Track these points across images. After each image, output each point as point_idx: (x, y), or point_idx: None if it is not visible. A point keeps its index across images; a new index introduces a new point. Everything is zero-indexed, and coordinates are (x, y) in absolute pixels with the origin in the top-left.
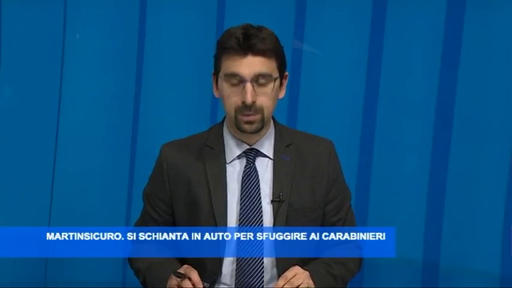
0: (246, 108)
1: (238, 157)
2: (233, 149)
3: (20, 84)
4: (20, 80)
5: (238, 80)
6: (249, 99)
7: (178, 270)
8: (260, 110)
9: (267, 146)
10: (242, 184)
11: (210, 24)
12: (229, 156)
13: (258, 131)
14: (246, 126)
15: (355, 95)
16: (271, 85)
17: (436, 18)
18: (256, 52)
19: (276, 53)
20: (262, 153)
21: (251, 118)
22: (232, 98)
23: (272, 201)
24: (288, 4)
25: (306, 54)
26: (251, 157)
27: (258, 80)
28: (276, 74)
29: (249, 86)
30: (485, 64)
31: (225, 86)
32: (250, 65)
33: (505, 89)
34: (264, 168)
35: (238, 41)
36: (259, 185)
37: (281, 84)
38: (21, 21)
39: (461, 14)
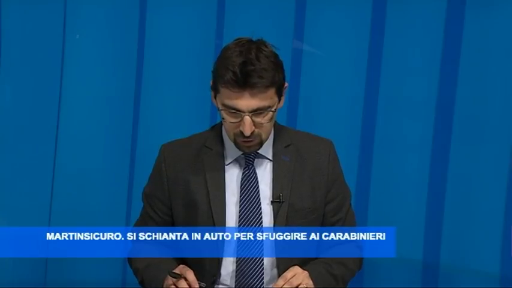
0: (245, 136)
1: (237, 159)
2: (232, 151)
3: (20, 84)
4: (20, 80)
5: (236, 111)
6: (247, 132)
7: (174, 270)
8: (258, 136)
9: (266, 147)
10: (241, 186)
11: (210, 24)
12: (228, 158)
13: (256, 150)
14: (245, 149)
15: (355, 95)
16: (269, 115)
17: (436, 18)
18: (255, 89)
19: (274, 81)
20: (261, 154)
21: (249, 144)
22: (230, 125)
23: (272, 202)
24: (288, 4)
25: (306, 54)
26: (250, 158)
27: (257, 111)
28: (274, 102)
29: (247, 119)
30: (485, 64)
31: (223, 113)
32: (249, 100)
33: (505, 89)
34: (263, 169)
35: (235, 77)
36: (258, 186)
37: (281, 94)
38: (21, 21)
39: (461, 14)
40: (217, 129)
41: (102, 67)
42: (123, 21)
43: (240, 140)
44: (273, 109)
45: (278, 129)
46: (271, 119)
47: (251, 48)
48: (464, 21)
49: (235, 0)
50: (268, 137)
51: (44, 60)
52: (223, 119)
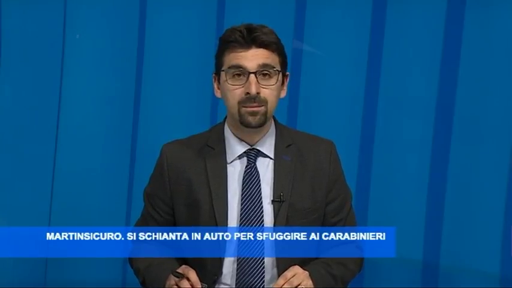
0: (250, 99)
1: (239, 157)
2: (234, 149)
3: (20, 84)
4: (20, 80)
5: (242, 72)
6: (253, 90)
7: (177, 270)
8: (264, 102)
9: (267, 146)
10: (243, 184)
11: (210, 24)
12: (230, 156)
13: (261, 124)
14: (250, 118)
15: (355, 95)
16: (274, 78)
17: (436, 18)
18: (260, 44)
19: (278, 48)
20: (263, 153)
21: (255, 109)
22: (236, 91)
23: (273, 201)
24: (288, 4)
25: (306, 54)
26: (252, 157)
27: (262, 71)
28: (279, 68)
29: (253, 77)
30: (485, 64)
31: (228, 80)
32: (254, 56)
33: (505, 89)
34: (265, 169)
35: (242, 34)
36: (260, 185)
37: (283, 82)
38: (21, 21)
39: (461, 14)
40: (218, 129)
41: (102, 67)
42: (123, 21)
43: (245, 106)
44: (278, 70)
45: (280, 128)
46: (276, 82)
47: (252, 24)
48: (464, 21)
49: (235, 0)
50: (273, 110)
51: (44, 60)
52: (228, 89)
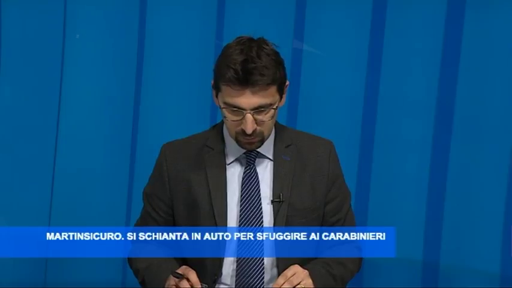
0: (246, 134)
1: (238, 158)
2: (233, 150)
3: (20, 84)
4: (20, 80)
5: (238, 109)
6: (249, 130)
7: (177, 271)
8: (260, 134)
9: (267, 147)
10: (242, 185)
11: (210, 24)
12: (229, 157)
13: (258, 147)
14: (247, 146)
15: (355, 95)
16: (271, 112)
17: (436, 18)
18: (256, 88)
19: (275, 79)
20: (262, 154)
21: (251, 141)
22: (232, 123)
23: (272, 202)
24: (288, 4)
25: (306, 54)
26: (251, 158)
27: (258, 109)
28: (275, 100)
29: (249, 116)
30: (485, 64)
31: (225, 111)
32: (250, 98)
33: (505, 89)
34: (264, 169)
35: (237, 75)
36: (259, 186)
37: (282, 92)
38: (21, 21)
39: (461, 14)
40: (218, 128)
41: (102, 67)
42: (123, 21)
43: (241, 138)
44: (274, 107)
45: (279, 129)
46: (272, 116)
47: (252, 46)
48: (464, 21)
49: (235, 0)
50: (269, 135)
51: (44, 60)
52: (224, 117)
